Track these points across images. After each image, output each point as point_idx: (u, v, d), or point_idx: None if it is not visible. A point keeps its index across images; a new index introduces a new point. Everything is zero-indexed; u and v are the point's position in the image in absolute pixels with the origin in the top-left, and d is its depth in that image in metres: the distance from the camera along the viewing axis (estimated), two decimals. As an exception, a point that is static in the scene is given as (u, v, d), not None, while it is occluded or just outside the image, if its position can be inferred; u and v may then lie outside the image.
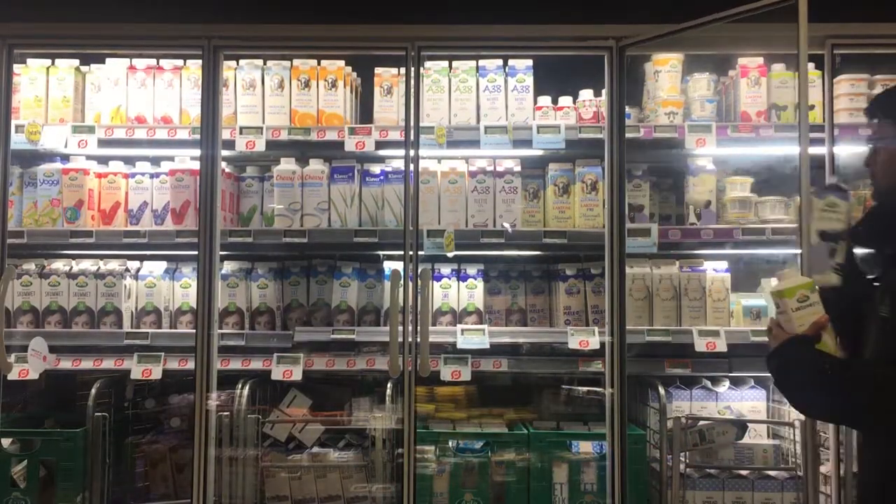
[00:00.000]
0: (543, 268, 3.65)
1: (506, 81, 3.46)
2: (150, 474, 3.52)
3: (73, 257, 3.62)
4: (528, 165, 3.50)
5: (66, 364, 3.37)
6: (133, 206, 3.50)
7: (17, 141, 3.33)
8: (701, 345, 3.28)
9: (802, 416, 2.54)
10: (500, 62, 3.48)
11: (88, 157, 3.54)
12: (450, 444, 3.32)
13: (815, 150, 3.21)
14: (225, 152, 3.30)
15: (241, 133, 3.37)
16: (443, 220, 3.41)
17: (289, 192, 3.46)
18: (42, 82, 3.51)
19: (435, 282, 3.47)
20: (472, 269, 3.56)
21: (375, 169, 3.50)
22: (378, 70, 3.50)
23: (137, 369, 3.35)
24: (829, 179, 2.79)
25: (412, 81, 3.14)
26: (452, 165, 3.47)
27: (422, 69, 3.26)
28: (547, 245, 3.38)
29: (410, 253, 3.09)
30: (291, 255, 3.63)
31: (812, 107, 3.37)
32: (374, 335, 3.40)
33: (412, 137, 3.14)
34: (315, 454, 3.42)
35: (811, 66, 3.39)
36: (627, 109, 3.31)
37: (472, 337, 3.33)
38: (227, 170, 3.47)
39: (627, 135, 3.18)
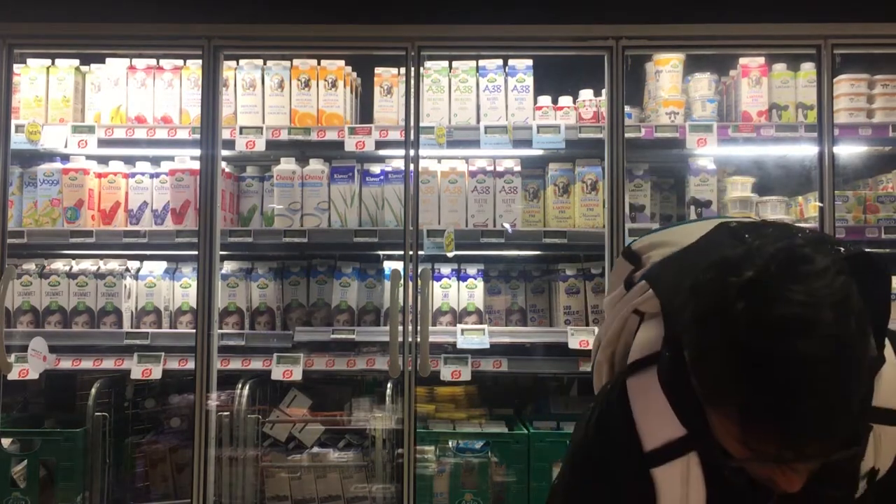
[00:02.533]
0: (543, 268, 3.64)
1: (506, 81, 3.46)
2: (150, 474, 3.51)
3: (73, 257, 3.62)
4: (528, 165, 3.50)
5: (66, 364, 3.36)
6: (133, 205, 3.50)
7: (17, 141, 3.33)
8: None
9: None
10: (500, 62, 3.47)
11: (88, 157, 3.54)
12: (450, 444, 3.31)
13: (814, 150, 3.25)
14: (225, 152, 3.30)
15: (241, 133, 3.37)
16: (443, 220, 3.41)
17: (289, 191, 3.45)
18: (42, 82, 3.50)
19: (435, 282, 3.47)
20: (472, 269, 3.56)
21: (375, 169, 3.50)
22: (378, 70, 3.49)
23: (137, 369, 3.35)
24: None
25: (412, 81, 3.15)
26: (452, 165, 3.47)
27: (422, 69, 3.26)
28: (547, 245, 3.38)
29: (410, 253, 3.09)
30: (291, 255, 3.63)
31: (811, 107, 3.37)
32: (374, 335, 3.40)
33: (412, 137, 3.14)
34: (315, 454, 3.42)
35: (811, 65, 3.39)
36: (628, 109, 3.31)
37: (472, 337, 3.33)
38: (227, 170, 3.47)
39: (628, 135, 3.18)
